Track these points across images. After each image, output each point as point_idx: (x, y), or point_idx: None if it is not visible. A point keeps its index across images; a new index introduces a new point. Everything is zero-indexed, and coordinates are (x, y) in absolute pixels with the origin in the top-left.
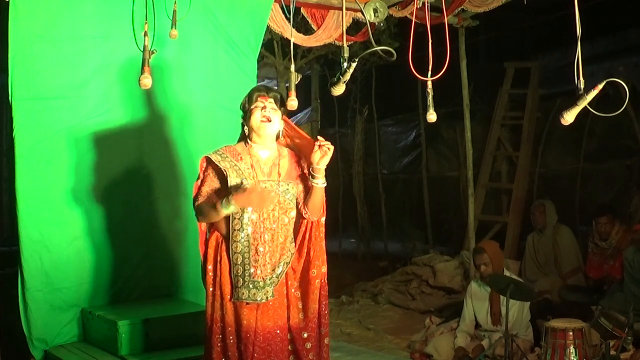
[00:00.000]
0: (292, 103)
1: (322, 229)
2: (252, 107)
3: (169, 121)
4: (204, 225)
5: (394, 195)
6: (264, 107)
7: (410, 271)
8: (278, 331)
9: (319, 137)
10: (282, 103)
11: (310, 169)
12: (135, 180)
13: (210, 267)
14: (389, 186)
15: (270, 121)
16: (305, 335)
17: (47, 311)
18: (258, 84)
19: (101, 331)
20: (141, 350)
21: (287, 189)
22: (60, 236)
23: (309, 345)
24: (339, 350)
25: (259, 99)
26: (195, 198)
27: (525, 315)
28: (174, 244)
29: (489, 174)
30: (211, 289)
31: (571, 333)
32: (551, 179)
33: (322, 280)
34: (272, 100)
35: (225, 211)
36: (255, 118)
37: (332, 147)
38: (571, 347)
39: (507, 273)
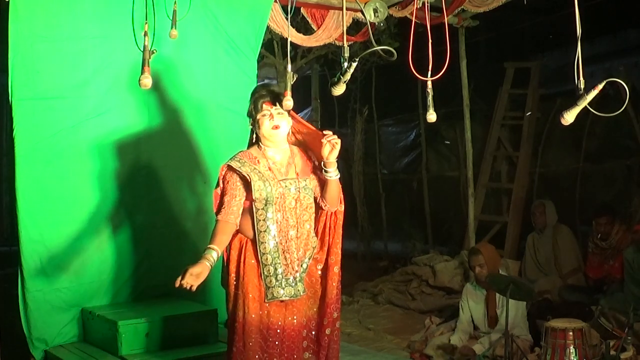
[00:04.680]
0: (288, 103)
1: (341, 217)
2: (260, 115)
3: (168, 121)
4: None
5: (394, 195)
6: (271, 115)
7: (410, 271)
8: (300, 328)
9: (325, 132)
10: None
11: (322, 163)
12: (135, 180)
13: (232, 268)
14: (389, 186)
15: (279, 128)
16: (325, 322)
17: (47, 311)
18: (259, 84)
19: (101, 331)
20: (141, 350)
21: (306, 185)
22: (60, 236)
23: (328, 331)
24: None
25: (264, 106)
26: (218, 210)
27: (520, 315)
28: (174, 244)
29: (489, 174)
30: (233, 290)
31: (571, 333)
32: (551, 179)
33: (339, 267)
34: (277, 104)
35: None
36: (266, 127)
37: (339, 141)
38: (571, 347)
39: (503, 274)
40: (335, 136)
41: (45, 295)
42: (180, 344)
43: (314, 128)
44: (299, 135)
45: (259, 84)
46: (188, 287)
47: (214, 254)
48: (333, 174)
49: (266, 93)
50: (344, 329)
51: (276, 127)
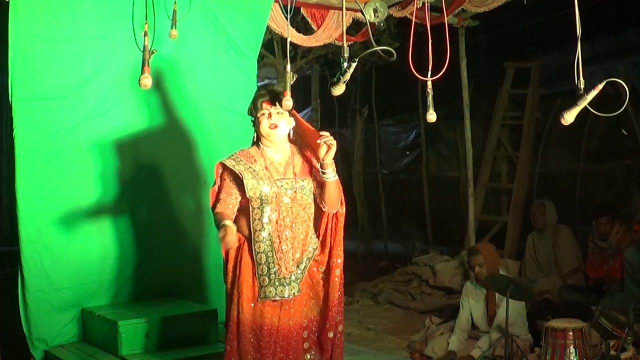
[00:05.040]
0: (287, 103)
1: (342, 219)
2: (259, 114)
3: (168, 121)
4: None
5: (394, 195)
6: (269, 115)
7: (410, 271)
8: (297, 329)
9: (321, 133)
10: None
11: (319, 164)
12: (135, 180)
13: (230, 267)
14: (389, 186)
15: (277, 127)
16: (328, 325)
17: (47, 311)
18: (262, 85)
19: (101, 331)
20: (141, 350)
21: (303, 185)
22: (60, 236)
23: (331, 334)
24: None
25: (263, 105)
26: (214, 205)
27: (519, 315)
28: (174, 244)
29: (489, 174)
30: (230, 289)
31: (571, 333)
32: (551, 179)
33: (341, 269)
34: (277, 104)
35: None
36: (264, 126)
37: (335, 142)
38: (571, 347)
39: (503, 274)
40: (331, 137)
41: (45, 295)
42: (180, 344)
43: (313, 129)
44: (300, 134)
45: (260, 84)
46: (230, 245)
47: (229, 222)
48: (330, 175)
49: (266, 92)
50: (344, 329)
51: (274, 127)
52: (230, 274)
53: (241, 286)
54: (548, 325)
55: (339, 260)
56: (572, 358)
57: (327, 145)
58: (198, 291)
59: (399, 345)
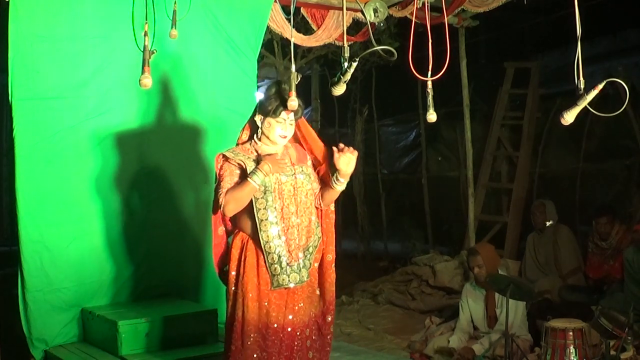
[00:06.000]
0: (292, 104)
1: (333, 217)
2: (274, 120)
3: (169, 121)
4: (221, 230)
5: (394, 195)
6: (284, 125)
7: (410, 271)
8: (302, 327)
9: (340, 145)
10: (300, 113)
11: (337, 174)
12: (135, 180)
13: (233, 267)
14: (389, 186)
15: (286, 138)
16: (329, 318)
17: (47, 311)
18: (276, 83)
19: (101, 331)
20: (141, 350)
21: (302, 170)
22: (60, 236)
23: (329, 318)
24: (339, 350)
25: (282, 114)
26: (219, 193)
27: (520, 315)
28: (174, 244)
29: (489, 174)
30: (233, 289)
31: (571, 333)
32: (551, 179)
33: (334, 263)
34: (292, 114)
35: (255, 180)
36: (274, 133)
37: (355, 152)
38: (571, 347)
39: (503, 274)
40: (351, 148)
41: (45, 295)
42: (180, 344)
43: (321, 143)
44: (299, 134)
45: (276, 80)
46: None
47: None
48: (343, 186)
49: (284, 99)
50: (344, 329)
51: (284, 137)
52: (233, 273)
53: (246, 285)
54: (548, 325)
55: (333, 256)
56: (572, 358)
57: (348, 157)
58: (198, 291)
59: (399, 345)
